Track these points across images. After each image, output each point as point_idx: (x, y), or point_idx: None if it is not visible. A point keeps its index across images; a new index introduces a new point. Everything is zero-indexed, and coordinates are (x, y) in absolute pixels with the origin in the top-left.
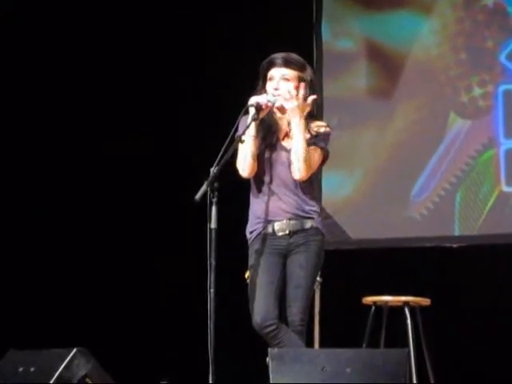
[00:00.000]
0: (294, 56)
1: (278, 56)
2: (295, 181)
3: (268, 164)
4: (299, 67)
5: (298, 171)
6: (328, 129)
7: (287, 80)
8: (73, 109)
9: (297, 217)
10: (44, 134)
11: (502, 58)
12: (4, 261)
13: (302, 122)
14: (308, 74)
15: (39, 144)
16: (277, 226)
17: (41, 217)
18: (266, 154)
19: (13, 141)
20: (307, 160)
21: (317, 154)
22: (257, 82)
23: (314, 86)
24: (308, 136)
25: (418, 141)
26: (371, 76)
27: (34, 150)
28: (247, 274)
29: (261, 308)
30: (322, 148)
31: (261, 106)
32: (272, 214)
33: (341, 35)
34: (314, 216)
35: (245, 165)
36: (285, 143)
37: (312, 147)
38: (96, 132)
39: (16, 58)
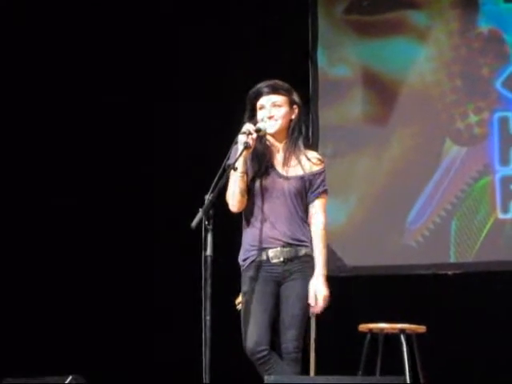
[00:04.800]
0: (279, 82)
1: (264, 84)
2: (290, 210)
3: (262, 192)
4: (287, 92)
5: None
6: (323, 165)
7: (279, 106)
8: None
9: (291, 244)
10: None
11: (498, 84)
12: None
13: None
14: (296, 97)
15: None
16: (271, 253)
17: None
18: (261, 182)
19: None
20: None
21: (324, 201)
22: (243, 114)
23: (300, 108)
24: (306, 172)
25: (414, 168)
26: (367, 103)
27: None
28: (238, 300)
29: (253, 334)
30: (324, 191)
31: (252, 134)
32: (266, 241)
33: (337, 62)
34: (308, 244)
35: (234, 201)
36: (279, 170)
37: (321, 198)
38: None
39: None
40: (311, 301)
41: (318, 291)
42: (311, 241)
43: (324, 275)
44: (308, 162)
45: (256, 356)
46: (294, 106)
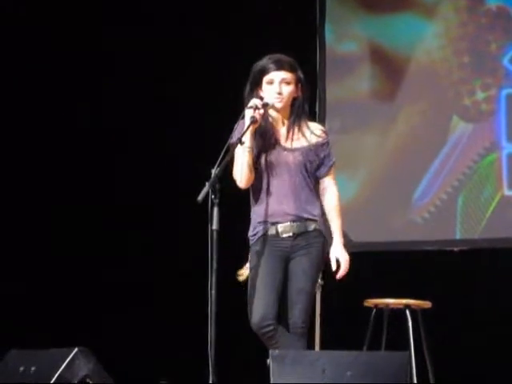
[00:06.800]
0: (285, 57)
1: (271, 60)
2: (298, 183)
3: (270, 167)
4: (294, 68)
5: None
6: (327, 136)
7: (288, 83)
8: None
9: (300, 219)
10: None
11: (505, 61)
12: (5, 262)
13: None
14: (301, 74)
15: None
16: (280, 227)
17: (43, 218)
18: (267, 158)
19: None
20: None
21: (333, 174)
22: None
23: (305, 86)
24: (311, 143)
25: (421, 144)
26: (374, 79)
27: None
28: (241, 272)
29: (260, 308)
30: (333, 164)
31: (260, 109)
32: (275, 216)
33: (344, 38)
34: (316, 218)
35: (242, 176)
36: (283, 144)
37: (331, 171)
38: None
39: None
40: (333, 266)
41: (339, 256)
42: (322, 214)
43: (342, 243)
44: (312, 135)
45: (262, 330)
46: (300, 84)
